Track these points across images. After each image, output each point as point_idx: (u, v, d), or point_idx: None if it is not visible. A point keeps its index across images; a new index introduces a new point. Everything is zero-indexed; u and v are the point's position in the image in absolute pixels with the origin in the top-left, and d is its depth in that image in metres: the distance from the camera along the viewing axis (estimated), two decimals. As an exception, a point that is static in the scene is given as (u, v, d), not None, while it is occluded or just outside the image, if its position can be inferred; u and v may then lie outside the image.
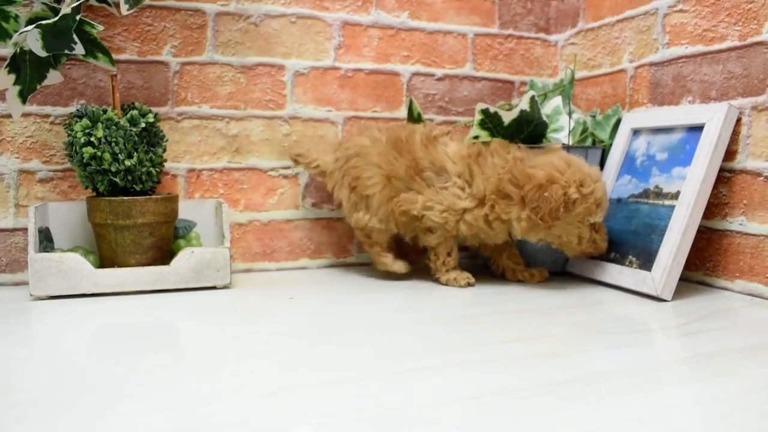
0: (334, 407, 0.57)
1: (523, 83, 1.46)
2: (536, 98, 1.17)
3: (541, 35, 1.49)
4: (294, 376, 0.65)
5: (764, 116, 1.00)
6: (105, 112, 1.03)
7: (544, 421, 0.55)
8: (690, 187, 1.01)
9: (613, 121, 1.24)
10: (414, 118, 1.27)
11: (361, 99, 1.33)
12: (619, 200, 1.15)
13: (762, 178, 1.00)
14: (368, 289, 1.10)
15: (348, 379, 0.65)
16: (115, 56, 1.15)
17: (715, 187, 1.06)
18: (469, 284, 1.13)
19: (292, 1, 1.26)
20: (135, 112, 1.04)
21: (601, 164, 1.22)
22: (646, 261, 1.03)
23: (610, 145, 1.23)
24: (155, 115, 1.07)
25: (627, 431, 0.53)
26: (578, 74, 1.42)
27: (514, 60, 1.46)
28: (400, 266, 1.16)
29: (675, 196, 1.04)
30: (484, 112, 1.16)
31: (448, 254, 1.14)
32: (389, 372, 0.67)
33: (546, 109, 1.26)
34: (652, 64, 1.22)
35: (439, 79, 1.39)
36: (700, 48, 1.11)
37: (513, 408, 0.57)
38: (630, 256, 1.07)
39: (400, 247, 1.25)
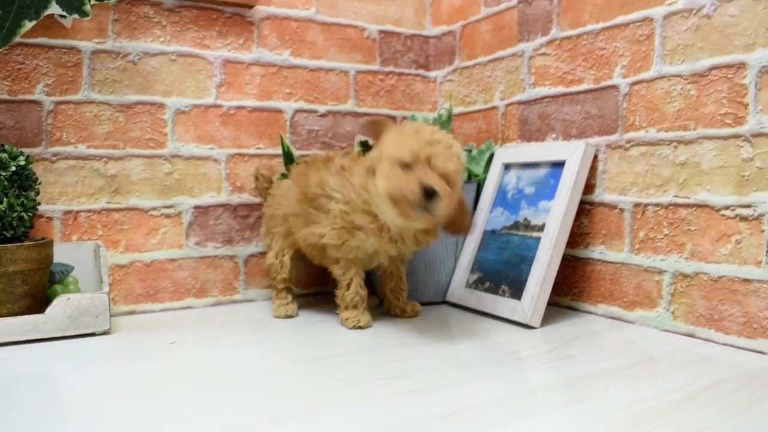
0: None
1: (405, 118, 1.52)
2: (414, 135, 1.22)
3: (421, 72, 1.55)
4: (171, 428, 0.65)
5: (617, 153, 1.09)
6: (-29, 156, 1.00)
7: (410, 459, 0.57)
8: (553, 220, 1.08)
9: (486, 156, 1.31)
10: (285, 152, 1.29)
11: (245, 136, 1.34)
12: (493, 232, 1.22)
13: (617, 210, 1.09)
14: (253, 328, 1.11)
15: (223, 427, 0.65)
16: (-18, 96, 1.11)
17: (578, 218, 1.15)
18: (357, 327, 1.08)
19: (172, 39, 1.26)
20: (4, 156, 1.01)
21: (477, 198, 1.29)
22: (517, 290, 1.10)
23: (485, 179, 1.30)
24: (27, 158, 1.04)
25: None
26: (455, 110, 1.49)
27: (396, 96, 1.51)
28: (281, 312, 1.18)
29: (541, 228, 1.11)
30: (363, 144, 1.20)
31: (347, 287, 1.10)
32: (264, 418, 0.68)
33: (424, 145, 1.31)
34: (520, 103, 1.30)
35: (323, 116, 1.42)
36: (561, 89, 1.20)
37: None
38: (503, 286, 1.13)
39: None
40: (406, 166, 0.94)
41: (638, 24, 1.06)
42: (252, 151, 1.34)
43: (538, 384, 0.79)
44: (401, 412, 0.69)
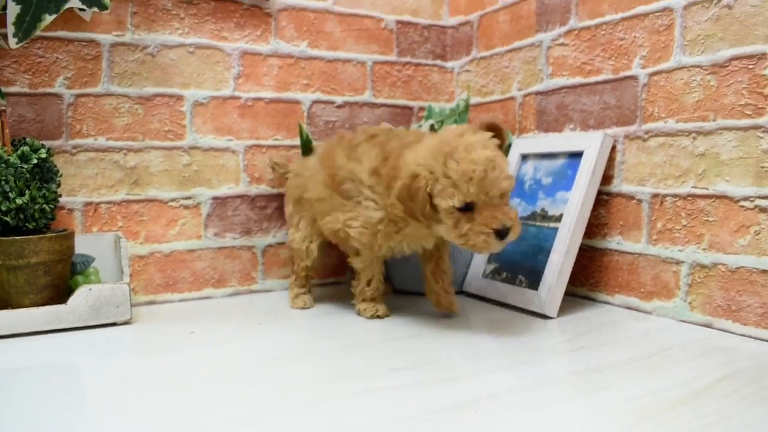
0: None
1: (422, 108, 1.52)
2: (435, 126, 1.22)
3: (438, 62, 1.55)
4: (192, 418, 0.67)
5: (635, 144, 1.08)
6: (-6, 149, 1.01)
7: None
8: (571, 211, 1.08)
9: (505, 147, 1.31)
10: (304, 140, 1.30)
11: (262, 128, 1.34)
12: (510, 223, 1.22)
13: (635, 201, 1.09)
14: (271, 318, 1.12)
15: (243, 418, 0.66)
16: (4, 89, 1.12)
17: (595, 208, 1.14)
18: (376, 316, 1.08)
19: (190, 31, 1.27)
20: (26, 149, 1.02)
21: (494, 188, 1.29)
22: (534, 281, 1.10)
23: (502, 169, 1.30)
24: (48, 150, 1.05)
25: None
26: (473, 100, 1.48)
27: (413, 86, 1.51)
28: (298, 303, 1.19)
29: (558, 218, 1.11)
30: (382, 139, 1.20)
31: (368, 283, 1.10)
32: (284, 408, 0.69)
33: (441, 136, 1.31)
34: (538, 93, 1.29)
35: (339, 107, 1.42)
36: (579, 80, 1.19)
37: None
38: (520, 276, 1.13)
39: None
40: (466, 208, 0.91)
41: (658, 14, 1.05)
42: (269, 142, 1.35)
43: (555, 374, 0.80)
44: (416, 403, 0.70)
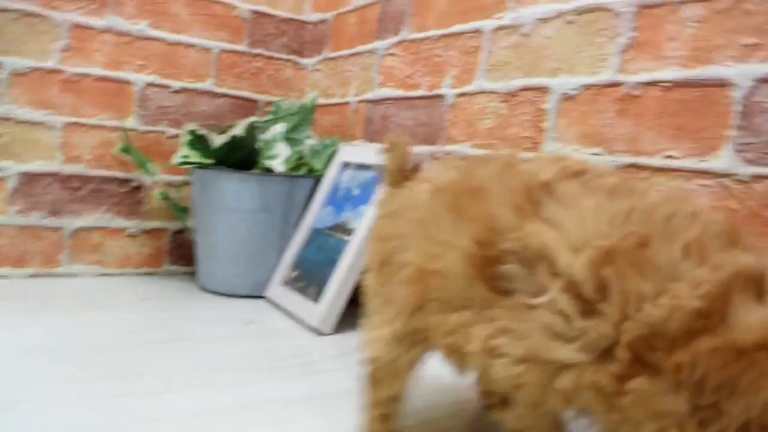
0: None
1: (269, 103, 1.48)
2: (255, 125, 1.18)
3: (294, 57, 1.51)
4: None
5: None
6: None
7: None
8: (363, 225, 1.06)
9: (329, 152, 1.28)
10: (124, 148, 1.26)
11: (87, 105, 1.28)
12: (318, 230, 1.19)
13: (430, 222, 1.07)
14: (48, 306, 1.07)
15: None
16: None
17: (399, 225, 1.12)
18: None
19: (13, -4, 1.20)
20: None
21: (312, 194, 1.26)
22: (320, 293, 1.07)
23: (323, 175, 1.27)
24: None
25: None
26: (319, 101, 1.45)
27: (261, 79, 1.47)
28: None
29: (353, 232, 1.09)
30: (192, 132, 1.16)
31: None
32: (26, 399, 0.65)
33: (267, 135, 1.28)
34: (368, 101, 1.27)
35: (176, 92, 1.37)
36: (401, 92, 1.17)
37: None
38: (312, 287, 1.11)
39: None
40: None
41: (470, 35, 1.03)
42: (93, 121, 1.29)
43: (294, 395, 0.77)
44: (124, 412, 0.66)
